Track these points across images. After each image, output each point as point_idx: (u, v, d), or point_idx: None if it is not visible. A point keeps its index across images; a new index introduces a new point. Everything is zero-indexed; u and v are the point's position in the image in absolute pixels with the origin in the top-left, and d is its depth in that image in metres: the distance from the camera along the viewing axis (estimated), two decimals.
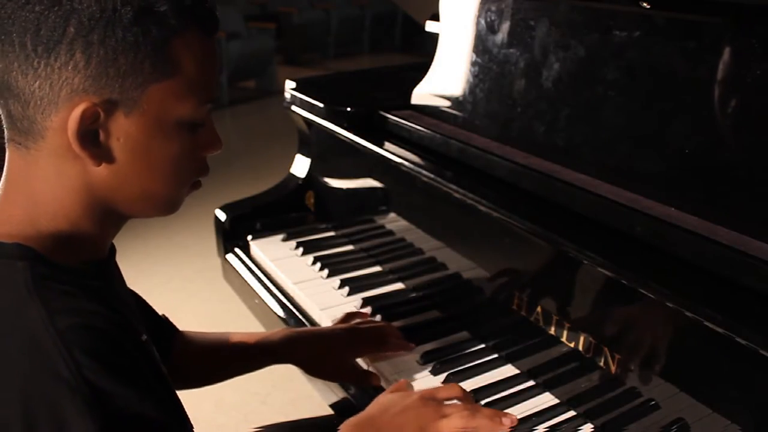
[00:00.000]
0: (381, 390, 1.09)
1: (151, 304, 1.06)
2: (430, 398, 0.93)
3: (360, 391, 1.13)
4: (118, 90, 0.68)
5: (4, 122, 0.72)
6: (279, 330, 1.16)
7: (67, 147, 0.69)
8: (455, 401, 0.94)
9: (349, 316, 1.22)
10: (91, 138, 0.69)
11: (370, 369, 1.15)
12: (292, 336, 1.13)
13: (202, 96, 0.73)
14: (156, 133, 0.71)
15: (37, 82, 0.67)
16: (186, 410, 0.84)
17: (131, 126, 0.70)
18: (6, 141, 0.73)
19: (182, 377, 1.01)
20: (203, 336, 1.13)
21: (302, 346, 1.12)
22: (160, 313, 1.09)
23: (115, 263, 0.86)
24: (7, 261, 0.68)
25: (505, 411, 1.00)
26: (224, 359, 1.13)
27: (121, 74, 0.67)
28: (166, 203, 0.78)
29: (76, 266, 0.72)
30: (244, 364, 1.13)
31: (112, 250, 0.82)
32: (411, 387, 1.07)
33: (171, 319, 1.12)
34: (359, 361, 1.17)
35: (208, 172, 0.80)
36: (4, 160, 0.74)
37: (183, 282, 3.05)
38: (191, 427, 0.79)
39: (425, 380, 1.10)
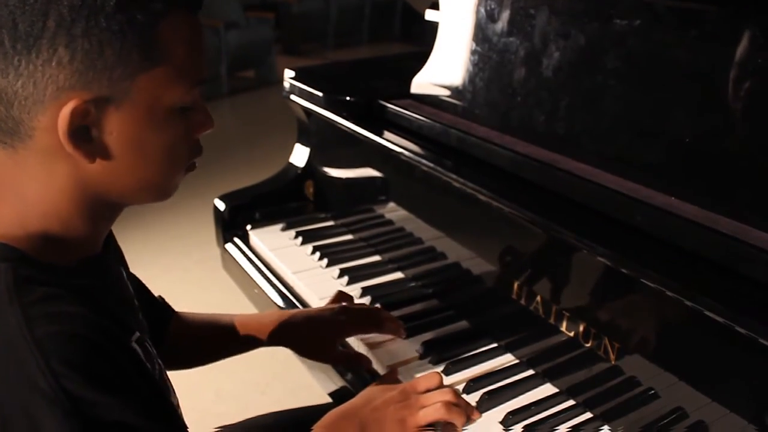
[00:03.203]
0: (377, 375, 1.11)
1: None
2: (411, 391, 0.97)
3: (357, 380, 1.13)
4: (107, 83, 0.65)
5: None
6: (271, 312, 1.17)
7: (58, 146, 0.66)
8: (436, 390, 0.98)
9: (340, 296, 1.21)
10: (83, 135, 0.67)
11: (368, 355, 1.16)
12: (283, 318, 1.13)
13: (192, 79, 0.72)
14: (149, 123, 0.69)
15: (20, 82, 0.63)
16: (183, 403, 0.84)
17: (123, 119, 0.68)
18: None
19: (175, 358, 1.01)
20: (197, 317, 1.13)
21: (293, 327, 1.12)
22: (157, 295, 1.09)
23: (115, 253, 0.86)
24: None
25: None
26: (217, 340, 1.13)
27: (108, 66, 0.65)
28: (163, 190, 0.76)
29: (66, 265, 0.70)
30: (237, 346, 1.13)
31: (108, 242, 0.81)
32: (397, 377, 1.08)
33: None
34: (356, 346, 1.18)
35: (201, 152, 0.78)
36: None
37: (182, 272, 3.05)
38: (183, 426, 0.77)
39: (424, 369, 1.10)
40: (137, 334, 0.76)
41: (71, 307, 0.65)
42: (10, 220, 0.69)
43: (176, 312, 1.11)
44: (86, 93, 0.65)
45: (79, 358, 0.62)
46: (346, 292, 1.24)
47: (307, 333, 1.12)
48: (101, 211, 0.74)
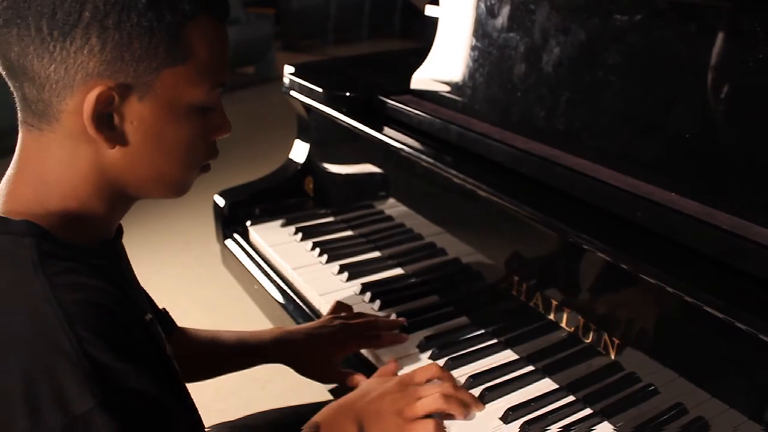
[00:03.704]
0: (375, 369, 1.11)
1: (150, 290, 1.06)
2: (408, 382, 0.97)
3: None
4: (133, 74, 0.70)
5: (18, 104, 0.73)
6: (271, 329, 1.17)
7: (82, 130, 0.70)
8: (435, 381, 0.98)
9: (338, 307, 1.22)
10: (106, 121, 0.71)
11: (369, 356, 1.16)
12: (282, 336, 1.13)
13: (213, 80, 0.76)
14: (169, 117, 0.73)
15: (53, 66, 0.68)
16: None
17: (145, 110, 0.72)
18: (19, 123, 0.74)
19: None
20: (199, 333, 1.14)
21: (293, 344, 1.13)
22: (161, 307, 1.10)
23: (122, 245, 0.87)
24: (15, 237, 0.69)
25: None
26: (218, 358, 1.14)
27: (135, 59, 0.69)
28: (176, 185, 0.80)
29: (83, 245, 0.74)
30: (237, 363, 1.15)
31: (119, 231, 0.84)
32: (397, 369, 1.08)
33: (171, 307, 1.12)
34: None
35: (217, 155, 0.82)
36: (16, 141, 0.75)
37: (182, 268, 3.06)
38: (192, 405, 0.80)
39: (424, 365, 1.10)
40: (149, 315, 0.79)
41: (92, 280, 0.69)
42: (32, 199, 0.73)
43: (179, 327, 1.12)
44: (112, 81, 0.69)
45: (102, 326, 0.66)
46: (344, 302, 1.24)
47: (307, 350, 1.12)
48: (117, 197, 0.77)
